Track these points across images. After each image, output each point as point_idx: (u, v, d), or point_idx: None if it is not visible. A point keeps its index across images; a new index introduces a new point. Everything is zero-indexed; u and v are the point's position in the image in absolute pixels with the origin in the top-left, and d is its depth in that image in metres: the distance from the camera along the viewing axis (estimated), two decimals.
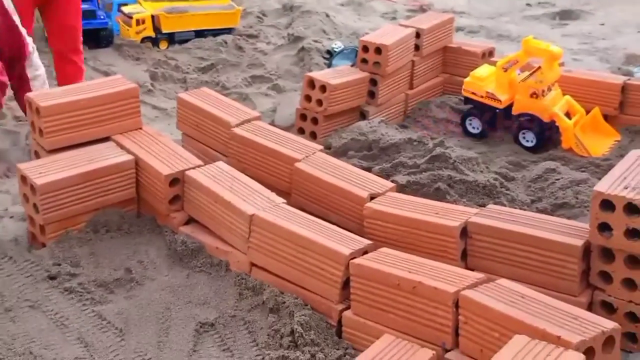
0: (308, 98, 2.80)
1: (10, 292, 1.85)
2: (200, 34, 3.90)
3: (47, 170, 2.00)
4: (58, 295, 1.85)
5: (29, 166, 2.03)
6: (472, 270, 1.78)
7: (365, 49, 2.91)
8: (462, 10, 5.62)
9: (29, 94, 2.15)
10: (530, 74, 2.77)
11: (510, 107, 2.84)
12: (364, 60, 2.92)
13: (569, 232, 1.79)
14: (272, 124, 2.96)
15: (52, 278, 1.90)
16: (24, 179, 2.00)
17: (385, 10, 5.32)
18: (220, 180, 2.04)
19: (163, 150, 2.16)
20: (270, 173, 2.27)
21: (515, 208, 2.21)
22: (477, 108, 2.91)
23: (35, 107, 2.09)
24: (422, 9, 5.70)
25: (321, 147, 2.33)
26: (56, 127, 2.10)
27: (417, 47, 3.11)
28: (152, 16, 3.78)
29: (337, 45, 3.71)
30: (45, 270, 1.92)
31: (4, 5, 2.49)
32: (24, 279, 1.91)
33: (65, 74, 2.94)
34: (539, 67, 2.76)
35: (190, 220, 2.11)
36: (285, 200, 1.98)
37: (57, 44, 3.02)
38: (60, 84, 2.85)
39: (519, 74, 2.85)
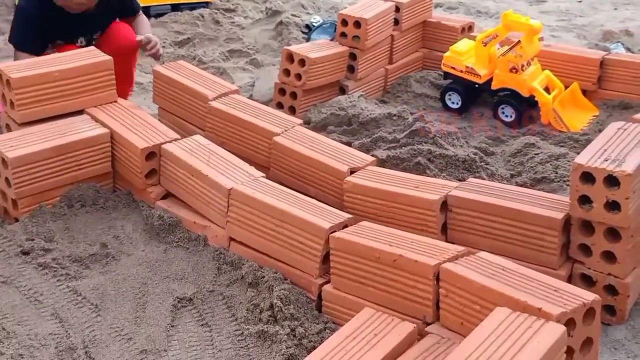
0: (287, 72, 2.76)
1: None
2: (176, 7, 3.83)
3: (19, 144, 1.95)
4: (32, 270, 1.81)
5: (0, 139, 1.97)
6: (452, 243, 1.78)
7: (345, 22, 2.87)
8: None
9: (0, 66, 2.09)
10: (510, 49, 2.75)
11: (489, 81, 2.83)
12: (343, 34, 2.88)
13: (549, 205, 1.79)
14: (251, 98, 2.93)
15: (26, 253, 1.86)
16: None
17: None
18: (198, 154, 2.01)
19: (139, 124, 2.11)
20: (248, 147, 2.24)
21: (495, 182, 2.21)
22: (457, 83, 2.89)
23: (6, 79, 2.03)
24: None
25: (300, 121, 2.30)
26: (28, 100, 2.05)
27: (396, 22, 3.08)
28: None
29: (316, 19, 3.68)
30: (18, 245, 1.88)
31: None
32: None
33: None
34: (519, 42, 2.74)
35: (167, 195, 2.07)
36: (264, 175, 1.95)
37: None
38: None
39: (498, 49, 2.83)
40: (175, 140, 2.07)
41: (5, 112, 2.14)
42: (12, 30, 2.51)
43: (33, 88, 2.05)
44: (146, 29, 2.76)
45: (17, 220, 1.98)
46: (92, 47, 2.24)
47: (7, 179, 1.94)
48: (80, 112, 2.15)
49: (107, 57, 2.17)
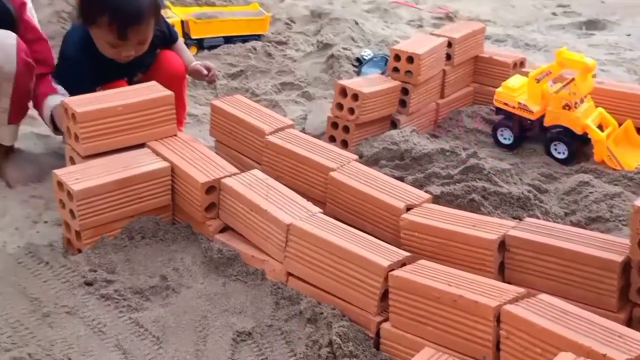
0: (340, 106, 2.80)
1: (48, 297, 1.86)
2: (229, 40, 3.90)
3: (83, 177, 2.01)
4: (95, 301, 1.86)
5: (65, 172, 2.04)
6: (509, 283, 1.77)
7: (397, 57, 2.90)
8: (488, 19, 5.60)
9: (65, 100, 2.17)
10: (564, 86, 2.75)
11: (542, 118, 2.83)
12: (396, 69, 2.91)
13: (608, 247, 1.78)
14: (303, 131, 2.96)
15: (89, 284, 1.91)
16: (60, 184, 2.01)
17: (410, 18, 5.31)
18: (256, 188, 2.04)
19: (198, 158, 2.16)
20: (304, 182, 2.27)
21: (550, 221, 2.20)
22: (509, 118, 2.89)
23: (72, 112, 2.10)
24: (448, 16, 5.68)
25: (356, 156, 2.33)
26: (92, 133, 2.11)
27: (448, 57, 3.10)
28: (182, 21, 3.79)
29: (367, 53, 3.72)
30: (82, 276, 1.93)
31: (34, 22, 2.49)
32: (61, 284, 1.92)
33: None
34: (573, 79, 2.74)
35: (225, 228, 2.11)
36: (321, 210, 1.98)
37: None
38: None
39: (551, 85, 2.83)
40: (235, 174, 2.11)
41: (69, 144, 2.20)
42: (58, 74, 2.53)
43: (97, 122, 2.11)
44: (186, 53, 2.83)
45: (80, 251, 2.04)
46: (153, 82, 2.30)
47: (71, 211, 2.00)
48: (141, 145, 2.20)
49: (168, 92, 2.24)
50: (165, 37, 2.72)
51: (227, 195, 2.06)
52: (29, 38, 2.43)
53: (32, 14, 2.51)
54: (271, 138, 2.33)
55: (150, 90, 2.24)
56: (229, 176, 2.09)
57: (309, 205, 1.99)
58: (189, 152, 2.19)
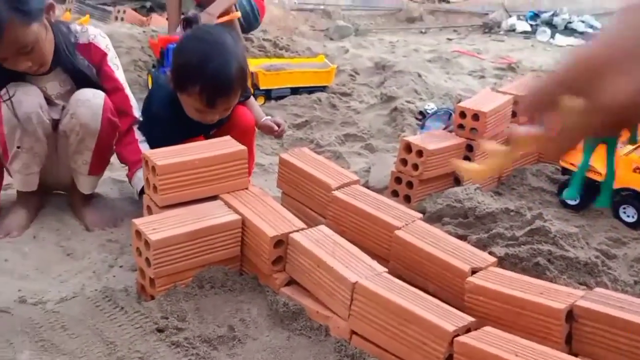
0: (404, 161, 2.84)
1: (122, 342, 1.93)
2: (295, 91, 4.02)
3: (160, 227, 2.09)
4: (165, 348, 1.92)
5: (143, 222, 2.13)
6: (577, 355, 1.76)
7: (463, 114, 2.94)
8: (551, 70, 5.58)
9: (145, 152, 2.27)
10: (634, 149, 2.73)
11: None
12: (461, 126, 2.95)
13: None
14: (366, 184, 3.02)
15: (160, 331, 1.98)
16: (138, 233, 2.10)
17: (472, 68, 5.35)
18: (323, 244, 2.09)
19: (268, 211, 2.23)
20: (369, 238, 2.31)
21: (618, 289, 2.18)
22: None
23: (152, 165, 2.20)
24: (510, 67, 5.70)
25: (420, 215, 2.36)
26: (170, 185, 2.21)
27: (514, 114, 3.12)
28: (251, 73, 3.93)
29: (430, 106, 3.77)
30: (154, 322, 2.00)
31: (114, 73, 2.62)
32: (134, 330, 1.99)
33: None
34: None
35: (291, 282, 2.16)
36: (386, 269, 2.01)
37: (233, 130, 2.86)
38: None
39: (621, 148, 2.82)
40: (302, 229, 2.16)
41: (147, 194, 2.30)
42: (146, 130, 2.67)
43: (174, 174, 2.21)
44: (256, 107, 2.94)
45: (152, 297, 2.11)
46: (227, 137, 2.40)
47: (147, 259, 2.08)
48: (214, 197, 2.29)
49: (242, 147, 2.32)
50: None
51: (295, 249, 2.11)
52: (108, 88, 2.57)
53: (113, 64, 2.64)
54: (337, 193, 2.39)
55: (225, 144, 2.33)
56: (297, 231, 2.14)
57: (375, 264, 2.02)
58: (259, 206, 2.26)
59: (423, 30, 9.28)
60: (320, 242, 2.10)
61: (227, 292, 2.17)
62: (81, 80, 2.49)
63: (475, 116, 2.90)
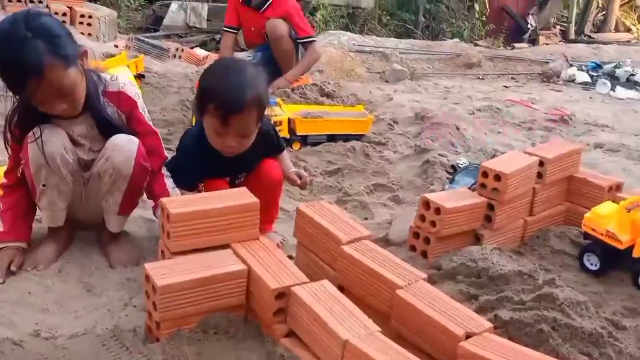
0: (422, 218, 2.88)
1: None
2: (331, 138, 4.11)
3: (168, 272, 2.19)
4: None
5: (153, 266, 2.23)
6: None
7: (485, 174, 2.96)
8: (606, 124, 5.49)
9: (162, 199, 2.39)
10: None
11: (631, 248, 2.77)
12: (483, 185, 2.97)
13: None
14: (386, 237, 3.06)
15: None
16: (147, 277, 2.20)
17: (523, 118, 5.32)
18: (322, 300, 2.14)
19: (274, 263, 2.30)
20: (372, 295, 2.34)
21: None
22: (596, 245, 2.85)
23: (167, 213, 2.32)
24: (563, 120, 5.62)
25: (425, 275, 2.38)
26: (182, 233, 2.31)
27: (539, 175, 3.12)
28: (289, 119, 4.04)
29: (462, 161, 3.79)
30: None
31: (144, 118, 2.77)
32: None
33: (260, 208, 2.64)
34: None
35: (292, 333, 2.22)
36: (380, 329, 2.04)
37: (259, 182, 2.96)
38: None
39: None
40: (305, 283, 2.22)
41: (161, 239, 2.41)
42: (172, 163, 2.82)
43: (188, 223, 2.31)
44: (286, 161, 3.02)
45: (158, 339, 2.20)
46: (243, 188, 2.49)
47: (154, 303, 2.18)
48: (225, 246, 2.38)
49: (254, 200, 2.41)
50: (272, 145, 2.93)
51: (295, 303, 2.17)
52: (139, 131, 2.71)
53: (143, 110, 2.79)
54: (346, 248, 2.44)
55: (239, 196, 2.43)
56: (299, 285, 2.21)
57: (370, 323, 2.06)
58: (267, 257, 2.33)
59: (480, 77, 9.28)
60: (320, 297, 2.16)
61: (229, 339, 2.24)
62: (106, 126, 2.63)
63: (498, 177, 2.92)
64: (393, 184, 3.68)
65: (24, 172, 2.58)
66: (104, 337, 2.24)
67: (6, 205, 2.65)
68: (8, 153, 2.65)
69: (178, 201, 2.37)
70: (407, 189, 3.64)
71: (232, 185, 2.84)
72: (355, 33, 11.60)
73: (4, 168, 2.75)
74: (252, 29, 4.95)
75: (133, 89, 2.74)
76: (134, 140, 2.63)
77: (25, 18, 2.34)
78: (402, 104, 4.96)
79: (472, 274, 2.70)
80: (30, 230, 2.71)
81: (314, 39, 4.72)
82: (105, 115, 2.62)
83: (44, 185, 2.56)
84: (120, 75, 2.75)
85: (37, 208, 2.72)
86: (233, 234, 2.39)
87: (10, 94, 2.48)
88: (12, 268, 2.53)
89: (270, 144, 2.91)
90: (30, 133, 2.52)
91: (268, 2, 4.80)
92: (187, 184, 2.74)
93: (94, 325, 2.32)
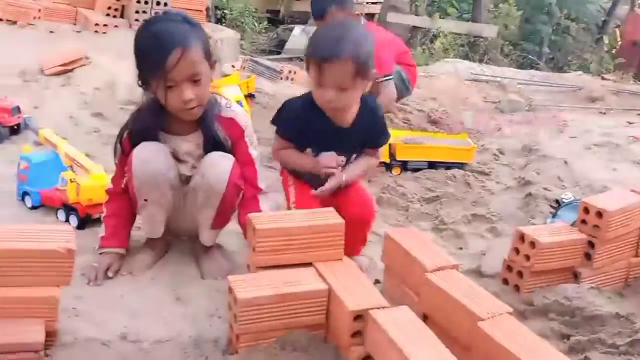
0: (516, 251, 2.78)
1: None
2: (432, 165, 4.06)
3: (250, 286, 2.24)
4: None
5: (237, 279, 2.28)
6: None
7: (586, 210, 2.83)
8: None
9: (250, 214, 2.45)
10: None
11: None
12: (584, 222, 2.83)
13: None
14: (478, 269, 2.98)
15: None
16: (230, 289, 2.26)
17: None
18: (401, 325, 2.11)
19: (356, 285, 2.30)
20: (454, 325, 2.29)
21: None
22: None
23: (253, 227, 2.37)
24: None
25: (510, 309, 2.30)
26: (266, 248, 2.36)
27: None
28: (389, 144, 4.04)
29: (567, 196, 3.63)
30: None
31: (248, 149, 2.83)
32: None
33: (349, 233, 2.56)
34: None
35: (368, 357, 2.20)
36: (455, 359, 1.99)
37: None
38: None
39: None
40: (384, 307, 2.20)
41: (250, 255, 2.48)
42: (275, 116, 2.95)
43: (272, 238, 2.36)
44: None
45: (236, 352, 2.25)
46: (330, 208, 2.51)
47: (235, 315, 2.23)
48: (308, 264, 2.40)
49: (340, 221, 2.43)
50: (377, 129, 2.94)
51: (373, 326, 2.16)
52: (240, 160, 2.77)
53: (249, 140, 2.83)
54: (430, 276, 2.40)
55: (325, 215, 2.45)
56: (378, 308, 2.19)
57: (447, 353, 2.00)
58: (349, 278, 2.34)
59: (603, 111, 8.87)
60: (399, 323, 2.13)
61: (306, 357, 2.25)
62: (214, 147, 2.72)
63: (599, 213, 2.78)
64: (492, 215, 3.58)
65: (128, 184, 2.72)
66: (186, 345, 2.32)
67: (110, 211, 2.81)
68: (115, 162, 2.81)
69: (265, 217, 2.43)
70: (506, 221, 3.53)
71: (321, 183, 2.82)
72: (475, 62, 11.44)
73: (111, 175, 2.91)
74: None
75: (244, 118, 2.81)
76: (229, 158, 2.72)
77: (177, 12, 2.68)
78: (511, 135, 4.83)
79: (565, 312, 2.58)
80: (129, 237, 2.85)
81: (389, 77, 4.66)
82: (215, 135, 2.71)
83: (145, 200, 2.69)
84: (234, 104, 2.84)
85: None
86: (317, 253, 2.41)
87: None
88: (109, 274, 2.67)
89: (376, 125, 2.91)
90: (136, 149, 2.64)
91: None
92: (290, 137, 2.87)
93: (179, 333, 2.40)
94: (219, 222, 2.83)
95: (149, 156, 2.64)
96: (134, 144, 2.69)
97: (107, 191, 2.85)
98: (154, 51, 2.47)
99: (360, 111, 2.85)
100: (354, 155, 2.92)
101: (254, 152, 2.87)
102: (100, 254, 2.74)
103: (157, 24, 2.56)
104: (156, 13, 2.70)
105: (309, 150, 2.88)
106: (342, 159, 2.83)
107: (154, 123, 2.68)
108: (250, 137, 2.85)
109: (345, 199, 2.84)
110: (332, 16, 4.50)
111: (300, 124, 2.84)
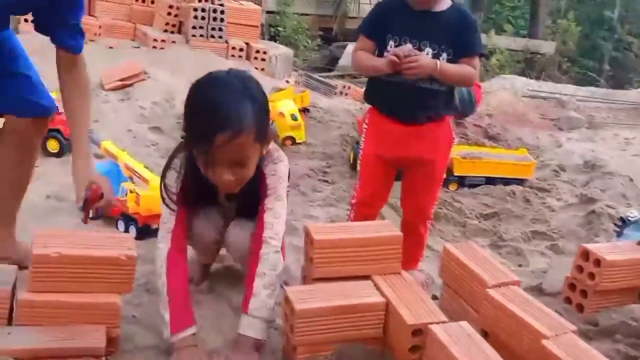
0: (580, 269, 2.69)
1: None
2: (491, 180, 3.99)
3: (308, 297, 2.22)
4: None
5: (294, 290, 2.27)
6: None
7: None
8: None
9: (309, 225, 2.43)
10: None
11: None
12: None
13: None
14: (540, 286, 2.90)
15: None
16: (287, 300, 2.25)
17: None
18: (459, 341, 2.06)
19: (414, 299, 2.26)
20: (515, 342, 2.22)
21: None
22: None
23: (311, 239, 2.36)
24: None
25: (575, 327, 2.22)
26: (324, 260, 2.34)
27: None
28: None
29: (633, 214, 3.51)
30: None
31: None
32: None
33: (405, 246, 2.47)
34: None
35: None
36: None
37: (406, 213, 2.93)
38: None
39: None
40: (443, 322, 2.16)
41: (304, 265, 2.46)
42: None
43: (329, 250, 2.34)
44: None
45: None
46: (387, 222, 2.48)
47: (292, 326, 2.21)
48: (366, 277, 2.37)
49: (398, 233, 2.39)
50: (466, 35, 2.72)
51: (431, 341, 2.11)
52: (260, 216, 2.41)
53: (280, 196, 2.42)
54: (491, 291, 2.34)
55: (383, 228, 2.42)
56: (437, 323, 2.14)
57: None
58: (407, 292, 2.30)
59: None
60: (458, 338, 2.08)
61: None
62: (252, 204, 2.45)
63: None
64: (553, 232, 3.49)
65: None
66: None
67: (173, 285, 2.31)
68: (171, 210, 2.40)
69: (323, 228, 2.41)
70: (568, 239, 3.44)
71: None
72: (532, 79, 11.27)
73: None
74: None
75: (285, 170, 2.44)
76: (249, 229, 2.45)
77: (243, 76, 2.24)
78: (572, 151, 4.72)
79: (632, 333, 2.48)
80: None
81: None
82: (254, 199, 2.42)
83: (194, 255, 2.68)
84: (281, 153, 2.47)
85: None
86: (374, 265, 2.38)
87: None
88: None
89: (466, 22, 2.72)
90: (197, 223, 2.49)
91: None
92: (370, 35, 2.74)
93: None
94: None
95: (200, 229, 2.51)
96: (188, 199, 2.39)
97: (169, 256, 2.33)
98: (203, 124, 2.15)
99: (451, 7, 2.70)
100: (450, 51, 2.69)
101: (280, 210, 2.43)
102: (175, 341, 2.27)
103: (214, 89, 2.19)
104: (216, 73, 2.26)
105: (390, 42, 2.70)
106: (417, 52, 2.62)
107: (204, 184, 2.36)
108: (282, 192, 2.47)
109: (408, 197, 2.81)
110: None
111: (382, 12, 2.75)
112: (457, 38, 2.70)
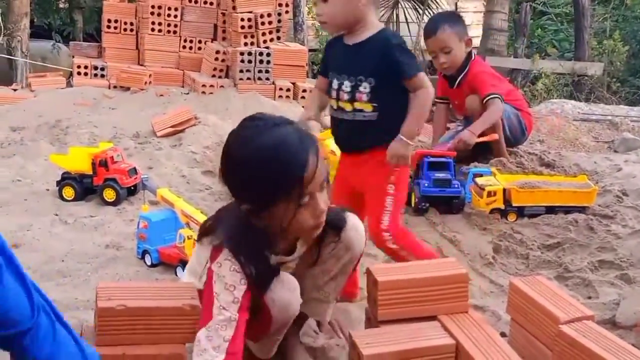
0: None
1: None
2: (551, 210, 3.87)
3: (373, 341, 2.17)
4: None
5: (360, 334, 2.22)
6: None
7: None
8: None
9: (372, 267, 2.38)
10: None
11: None
12: None
13: None
14: (612, 319, 2.79)
15: None
16: (353, 345, 2.19)
17: None
18: None
19: (484, 340, 2.18)
20: None
21: None
22: None
23: (374, 280, 2.31)
24: None
25: None
26: (389, 301, 2.29)
27: None
28: (504, 189, 3.89)
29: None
30: None
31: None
32: None
33: None
34: None
35: None
36: None
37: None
38: None
39: None
40: None
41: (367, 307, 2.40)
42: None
43: (394, 291, 2.28)
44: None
45: None
46: (451, 259, 2.42)
47: None
48: (432, 317, 2.31)
49: (462, 271, 2.33)
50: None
51: None
52: None
53: None
54: (565, 328, 2.24)
55: (447, 266, 2.36)
56: None
57: None
58: (476, 332, 2.22)
59: None
60: None
61: None
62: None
63: None
64: (622, 261, 3.35)
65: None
66: None
67: None
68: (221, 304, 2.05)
69: (386, 269, 2.36)
70: (638, 267, 3.29)
71: None
72: (581, 101, 11.05)
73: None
74: (456, 102, 4.92)
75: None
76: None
77: (256, 116, 2.13)
78: (633, 175, 4.56)
79: None
80: None
81: (495, 95, 4.49)
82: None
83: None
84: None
85: None
86: (441, 305, 2.32)
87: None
88: None
89: (388, 47, 2.73)
90: (272, 296, 2.18)
91: (460, 77, 4.69)
92: (321, 68, 3.02)
93: None
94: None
95: (287, 300, 2.23)
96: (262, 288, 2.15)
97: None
98: (285, 164, 2.00)
99: (374, 35, 2.77)
100: (371, 80, 2.73)
101: None
102: None
103: (267, 132, 2.04)
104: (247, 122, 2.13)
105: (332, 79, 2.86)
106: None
107: (267, 248, 2.18)
108: None
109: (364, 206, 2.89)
110: (442, 33, 4.41)
111: (326, 50, 2.99)
112: (380, 64, 2.73)
